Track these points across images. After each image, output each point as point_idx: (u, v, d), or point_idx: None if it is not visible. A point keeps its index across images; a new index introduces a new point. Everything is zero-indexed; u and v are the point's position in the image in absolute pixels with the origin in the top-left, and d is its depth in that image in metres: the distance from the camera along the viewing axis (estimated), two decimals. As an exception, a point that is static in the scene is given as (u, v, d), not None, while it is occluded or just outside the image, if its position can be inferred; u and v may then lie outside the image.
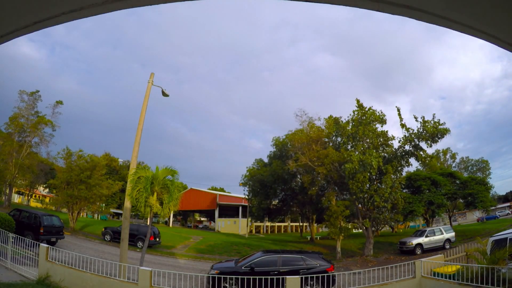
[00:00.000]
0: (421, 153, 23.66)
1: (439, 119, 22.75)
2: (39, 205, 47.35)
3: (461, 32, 1.66)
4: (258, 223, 52.15)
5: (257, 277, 10.35)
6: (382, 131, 24.40)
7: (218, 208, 50.56)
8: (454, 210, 37.23)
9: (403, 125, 23.86)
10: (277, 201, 38.09)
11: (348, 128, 25.10)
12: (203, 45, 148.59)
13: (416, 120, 23.32)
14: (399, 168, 24.65)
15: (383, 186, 23.49)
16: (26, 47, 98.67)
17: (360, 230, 26.86)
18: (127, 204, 13.67)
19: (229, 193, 62.33)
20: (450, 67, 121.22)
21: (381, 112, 24.50)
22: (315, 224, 38.52)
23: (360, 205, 24.57)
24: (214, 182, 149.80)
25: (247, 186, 37.85)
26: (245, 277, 10.47)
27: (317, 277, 10.97)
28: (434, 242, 23.40)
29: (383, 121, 24.39)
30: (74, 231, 25.83)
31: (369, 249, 23.62)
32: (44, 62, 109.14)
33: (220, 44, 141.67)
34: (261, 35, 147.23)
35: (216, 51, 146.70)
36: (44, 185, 45.46)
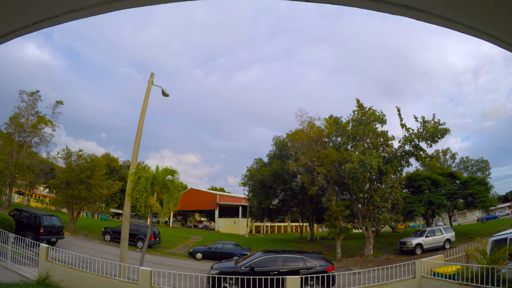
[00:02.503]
0: (421, 153, 23.66)
1: (439, 119, 22.80)
2: (39, 205, 47.34)
3: (461, 32, 1.66)
4: (258, 223, 52.13)
5: (257, 277, 10.35)
6: (382, 131, 24.40)
7: (218, 208, 50.57)
8: (454, 210, 37.22)
9: (403, 125, 23.87)
10: (277, 201, 38.05)
11: (348, 128, 25.11)
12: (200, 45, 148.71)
13: (416, 120, 23.36)
14: (399, 168, 24.65)
15: (383, 186, 23.49)
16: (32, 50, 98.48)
17: (360, 230, 26.85)
18: (127, 204, 13.67)
19: (229, 193, 62.36)
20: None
21: (381, 112, 24.52)
22: (315, 224, 38.50)
23: (360, 205, 24.57)
24: (214, 182, 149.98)
25: (247, 186, 37.85)
26: (245, 277, 10.47)
27: (317, 277, 10.97)
28: (434, 242, 23.41)
29: (383, 121, 24.37)
30: (74, 231, 25.84)
31: (369, 249, 23.61)
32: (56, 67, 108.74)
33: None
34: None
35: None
36: (44, 185, 45.48)
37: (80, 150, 28.74)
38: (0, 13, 1.54)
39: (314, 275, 11.02)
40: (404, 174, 26.70)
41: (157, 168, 12.80)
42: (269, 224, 54.43)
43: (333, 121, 26.39)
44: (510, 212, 47.63)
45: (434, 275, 10.84)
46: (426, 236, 23.50)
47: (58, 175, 27.89)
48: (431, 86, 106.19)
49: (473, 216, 47.90)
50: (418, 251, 22.47)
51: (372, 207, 23.77)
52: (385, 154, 24.36)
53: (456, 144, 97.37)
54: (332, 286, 11.55)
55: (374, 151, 22.98)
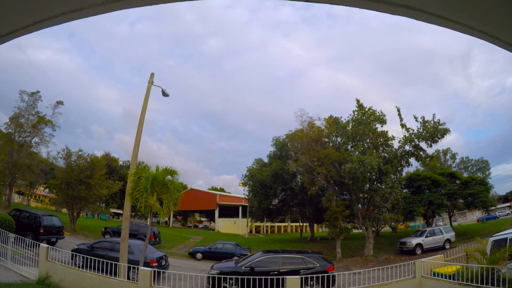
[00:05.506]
0: (421, 153, 23.66)
1: (439, 119, 22.81)
2: (39, 205, 47.37)
3: (461, 32, 1.66)
4: (258, 223, 52.13)
5: (257, 277, 10.35)
6: (382, 131, 24.41)
7: (218, 208, 50.58)
8: (454, 210, 37.20)
9: (403, 125, 23.87)
10: (277, 201, 38.06)
11: (348, 128, 25.12)
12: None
13: (416, 120, 23.36)
14: (399, 168, 24.64)
15: (383, 186, 23.48)
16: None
17: (360, 230, 26.85)
18: (127, 204, 13.67)
19: (229, 193, 62.35)
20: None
21: (381, 112, 24.54)
22: (315, 224, 38.50)
23: (360, 205, 24.56)
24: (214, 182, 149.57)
25: (247, 186, 37.85)
26: (245, 277, 10.47)
27: (317, 277, 10.97)
28: (434, 242, 23.40)
29: (383, 121, 24.38)
30: (74, 231, 25.85)
31: (369, 249, 23.60)
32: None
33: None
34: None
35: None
36: (44, 185, 45.48)
37: (80, 150, 28.81)
38: (0, 13, 1.54)
39: (314, 275, 11.02)
40: (404, 174, 26.69)
41: (157, 168, 12.79)
42: (269, 224, 54.44)
43: (333, 121, 26.41)
44: (510, 212, 47.63)
45: (434, 275, 10.84)
46: (426, 236, 23.50)
47: (58, 175, 27.89)
48: (433, 84, 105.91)
49: (473, 216, 47.88)
50: (418, 251, 22.47)
51: (372, 207, 23.76)
52: (385, 154, 24.35)
53: (462, 140, 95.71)
54: (332, 286, 11.56)
55: (374, 151, 22.98)
